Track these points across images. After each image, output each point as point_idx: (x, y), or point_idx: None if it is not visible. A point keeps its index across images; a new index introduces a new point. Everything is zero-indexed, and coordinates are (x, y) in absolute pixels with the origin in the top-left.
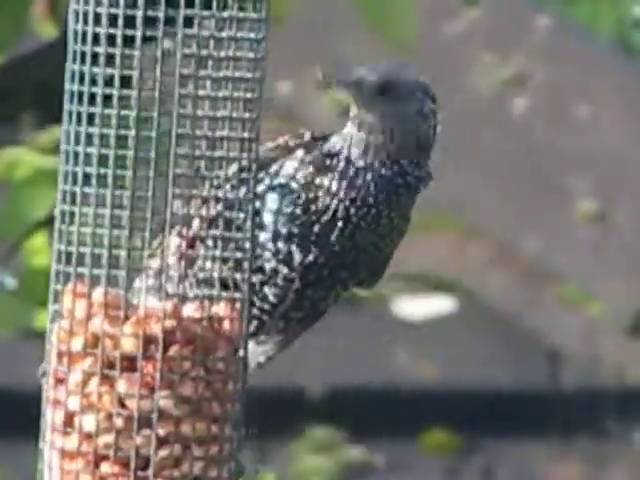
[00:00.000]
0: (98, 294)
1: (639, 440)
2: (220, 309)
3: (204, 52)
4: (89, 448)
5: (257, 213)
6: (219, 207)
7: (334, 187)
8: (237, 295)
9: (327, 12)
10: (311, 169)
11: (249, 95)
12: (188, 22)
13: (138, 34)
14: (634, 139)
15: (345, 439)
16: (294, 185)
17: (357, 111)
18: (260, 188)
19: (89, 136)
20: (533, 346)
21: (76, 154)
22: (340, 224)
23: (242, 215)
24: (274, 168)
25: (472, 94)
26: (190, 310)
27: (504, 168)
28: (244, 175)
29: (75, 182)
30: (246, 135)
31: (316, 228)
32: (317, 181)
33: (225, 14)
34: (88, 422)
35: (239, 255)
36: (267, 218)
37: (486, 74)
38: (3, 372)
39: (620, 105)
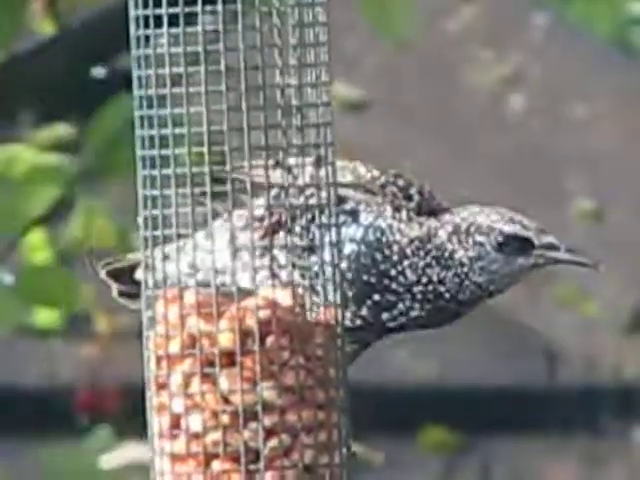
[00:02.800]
0: (190, 296)
1: (636, 438)
2: (313, 296)
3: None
4: (198, 448)
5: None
6: (302, 196)
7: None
8: (329, 282)
9: (326, 9)
10: (397, 250)
11: (319, 80)
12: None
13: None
14: (631, 137)
15: None
16: (376, 245)
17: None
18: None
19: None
20: (531, 344)
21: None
22: (395, 313)
23: (322, 202)
24: (369, 216)
25: (469, 91)
26: (283, 299)
27: (501, 166)
28: (322, 164)
29: (156, 185)
30: (322, 120)
31: (368, 295)
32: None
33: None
34: (194, 422)
35: (325, 241)
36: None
37: (483, 72)
38: (0, 369)
39: (617, 103)
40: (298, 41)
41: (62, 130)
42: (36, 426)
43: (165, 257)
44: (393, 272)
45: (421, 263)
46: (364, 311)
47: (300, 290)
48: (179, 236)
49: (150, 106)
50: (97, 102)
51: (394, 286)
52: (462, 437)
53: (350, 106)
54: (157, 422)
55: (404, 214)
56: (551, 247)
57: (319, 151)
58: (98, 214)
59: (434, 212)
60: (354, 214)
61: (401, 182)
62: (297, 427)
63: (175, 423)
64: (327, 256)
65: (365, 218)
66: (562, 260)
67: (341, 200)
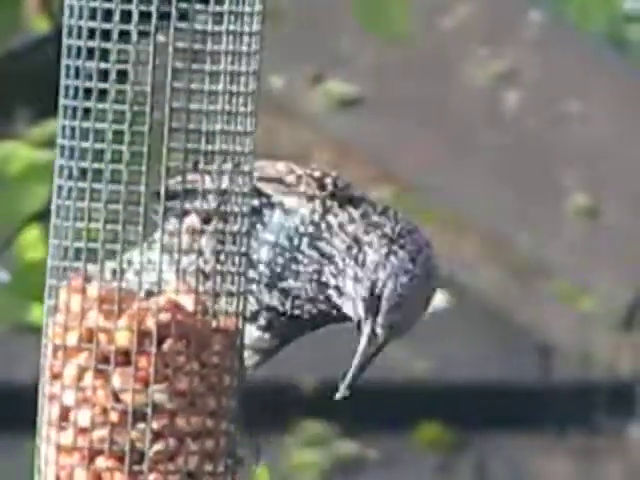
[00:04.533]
0: (93, 288)
1: (632, 434)
2: (216, 303)
3: (198, 46)
4: (84, 442)
5: (254, 225)
6: (216, 201)
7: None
8: (233, 289)
9: (320, 6)
10: (312, 238)
11: (244, 89)
12: (183, 16)
13: (132, 28)
14: (626, 133)
15: (338, 434)
16: (291, 233)
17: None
18: (267, 212)
19: (84, 131)
20: (525, 341)
21: (71, 148)
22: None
23: (237, 209)
24: (284, 203)
25: (466, 88)
26: (185, 303)
27: (497, 162)
28: (239, 170)
29: (70, 177)
30: (241, 129)
31: (279, 281)
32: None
33: (220, 8)
34: (83, 416)
35: (234, 249)
36: (263, 251)
37: (480, 68)
38: None
39: (612, 100)
40: (229, 48)
41: (56, 127)
42: (30, 422)
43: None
44: (299, 257)
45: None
46: (274, 300)
47: (203, 296)
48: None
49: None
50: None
51: (300, 270)
52: (457, 434)
53: (345, 103)
54: (47, 411)
55: (317, 203)
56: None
57: (238, 158)
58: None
59: (350, 200)
60: (272, 207)
61: (317, 173)
62: (185, 432)
63: (64, 415)
64: (234, 264)
65: (281, 212)
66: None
67: (262, 195)
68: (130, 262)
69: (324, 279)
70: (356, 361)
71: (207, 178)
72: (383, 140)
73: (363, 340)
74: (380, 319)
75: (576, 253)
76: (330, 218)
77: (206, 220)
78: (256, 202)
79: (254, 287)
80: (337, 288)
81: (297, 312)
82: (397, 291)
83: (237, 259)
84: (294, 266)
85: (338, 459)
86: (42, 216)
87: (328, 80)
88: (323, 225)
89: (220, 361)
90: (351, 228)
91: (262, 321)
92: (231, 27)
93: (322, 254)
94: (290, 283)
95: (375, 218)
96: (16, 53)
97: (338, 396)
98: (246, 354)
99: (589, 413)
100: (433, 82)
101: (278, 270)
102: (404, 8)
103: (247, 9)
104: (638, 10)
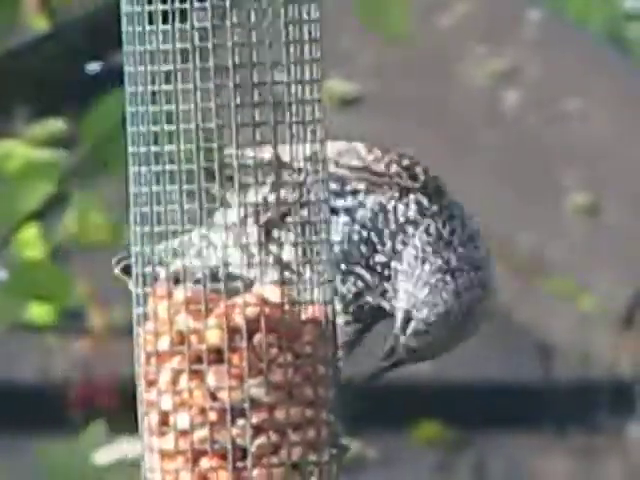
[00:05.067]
0: (179, 293)
1: (632, 433)
2: (303, 293)
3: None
4: (186, 445)
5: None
6: (294, 192)
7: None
8: (318, 278)
9: (320, 5)
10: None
11: (309, 77)
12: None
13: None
14: (626, 132)
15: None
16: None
17: None
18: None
19: (155, 134)
20: (525, 340)
21: (143, 154)
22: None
23: (314, 198)
24: (376, 198)
25: (465, 87)
26: (272, 296)
27: (496, 161)
28: (314, 159)
29: (145, 182)
30: (309, 118)
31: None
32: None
33: None
34: (182, 419)
35: (316, 238)
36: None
37: (479, 67)
38: None
39: (612, 98)
40: (290, 38)
41: (56, 125)
42: (30, 421)
43: (163, 253)
44: (377, 244)
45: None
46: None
47: (290, 287)
48: (175, 233)
49: (142, 102)
50: (91, 98)
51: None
52: (457, 433)
53: (345, 102)
54: (146, 419)
55: (411, 197)
56: None
57: (312, 147)
58: (92, 209)
59: (440, 191)
60: (355, 195)
61: (405, 161)
62: (285, 424)
63: (164, 420)
64: (320, 252)
65: (365, 201)
66: None
67: (344, 183)
68: (192, 243)
69: (387, 273)
70: (372, 369)
71: (282, 170)
72: (382, 138)
73: (385, 350)
74: (404, 339)
75: (576, 252)
76: (417, 218)
77: (286, 212)
78: (344, 201)
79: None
80: (394, 288)
81: (360, 304)
82: (428, 320)
83: (320, 247)
84: (369, 251)
85: None
86: (40, 214)
87: (328, 79)
88: (409, 225)
89: (313, 351)
90: (424, 240)
91: (345, 311)
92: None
93: (395, 250)
94: (362, 269)
95: (452, 238)
96: (15, 52)
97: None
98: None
99: (589, 412)
100: (432, 81)
101: (354, 252)
102: (404, 8)
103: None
104: (638, 9)
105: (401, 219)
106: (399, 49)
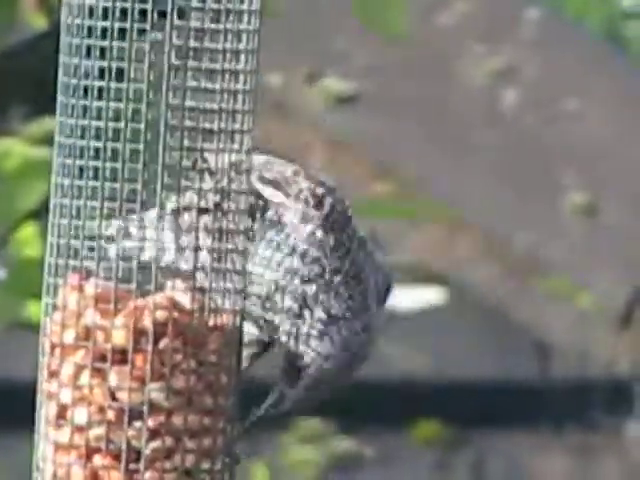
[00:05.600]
0: (90, 287)
1: (629, 432)
2: (213, 300)
3: (196, 44)
4: (81, 441)
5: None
6: (214, 198)
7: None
8: (230, 286)
9: (317, 4)
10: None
11: (242, 87)
12: (181, 14)
13: (130, 26)
14: (624, 131)
15: (335, 431)
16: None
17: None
18: (265, 235)
19: (82, 128)
20: (522, 338)
21: (69, 146)
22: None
23: (234, 207)
24: (286, 225)
25: (463, 86)
26: (183, 300)
27: (494, 160)
28: (237, 168)
29: (68, 174)
30: (238, 127)
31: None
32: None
33: (218, 6)
34: (80, 415)
35: (231, 247)
36: (257, 269)
37: (477, 66)
38: None
39: (611, 98)
40: (227, 46)
41: (54, 124)
42: (28, 421)
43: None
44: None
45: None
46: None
47: (201, 294)
48: (92, 228)
49: (74, 95)
50: None
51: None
52: (455, 431)
53: (342, 101)
54: (44, 408)
55: (310, 225)
56: None
57: (237, 157)
58: None
59: (340, 224)
60: (278, 226)
61: (319, 190)
62: (181, 431)
63: (62, 413)
64: (235, 261)
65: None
66: None
67: (264, 205)
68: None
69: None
70: (258, 412)
71: (205, 176)
72: (380, 138)
73: (266, 402)
74: (293, 392)
75: (574, 251)
76: (313, 249)
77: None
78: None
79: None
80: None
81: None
82: (316, 373)
83: (234, 257)
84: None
85: (335, 457)
86: (38, 213)
87: (325, 78)
88: (301, 253)
89: (217, 359)
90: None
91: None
92: (229, 25)
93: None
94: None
95: (339, 284)
96: (12, 50)
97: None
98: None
99: (587, 411)
100: (430, 80)
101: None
102: (402, 7)
103: (245, 7)
104: (637, 7)
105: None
106: (397, 48)
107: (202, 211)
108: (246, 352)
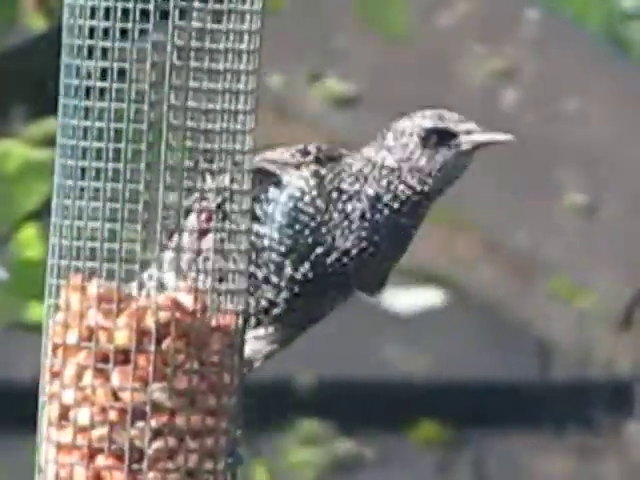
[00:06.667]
0: (92, 287)
1: (629, 432)
2: (216, 301)
3: (197, 44)
4: (84, 441)
5: (256, 218)
6: (217, 199)
7: (340, 225)
8: (233, 287)
9: (318, 4)
10: (318, 199)
11: (244, 87)
12: (182, 14)
13: (131, 26)
14: (623, 131)
15: (334, 432)
16: (299, 205)
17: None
18: (265, 195)
19: (84, 130)
20: (523, 339)
21: (72, 147)
22: (337, 255)
23: (237, 208)
24: (283, 179)
25: (463, 86)
26: (185, 301)
27: (493, 160)
28: (239, 169)
29: (70, 175)
30: (239, 127)
31: (311, 251)
32: (324, 215)
33: (219, 6)
34: (82, 415)
35: (234, 247)
36: (265, 228)
37: (477, 66)
38: None
39: (610, 98)
40: (229, 46)
41: (54, 125)
42: (28, 422)
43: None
44: (325, 220)
45: (349, 192)
46: (305, 266)
47: (203, 294)
48: (94, 230)
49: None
50: None
51: (326, 230)
52: (455, 432)
53: (342, 101)
54: (47, 410)
55: (305, 169)
56: (470, 132)
57: (239, 157)
58: None
59: (336, 158)
60: (277, 186)
61: (300, 146)
62: (184, 431)
63: (64, 413)
64: (237, 261)
65: (281, 191)
66: (482, 141)
67: (268, 174)
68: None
69: (324, 239)
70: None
71: (208, 177)
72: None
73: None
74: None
75: (574, 251)
76: (318, 179)
77: (208, 219)
78: (265, 186)
79: (265, 271)
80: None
81: (310, 286)
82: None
83: (237, 256)
84: (304, 230)
85: (335, 458)
86: (39, 214)
87: (326, 78)
88: (315, 189)
89: (220, 360)
90: (336, 184)
91: (279, 308)
92: (230, 25)
93: (318, 210)
94: (299, 248)
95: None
96: (12, 51)
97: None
98: (259, 346)
99: (587, 411)
100: (431, 80)
101: (288, 240)
102: (403, 7)
103: (247, 7)
104: (637, 8)
105: (307, 188)
106: (397, 48)
107: (206, 213)
108: (262, 351)
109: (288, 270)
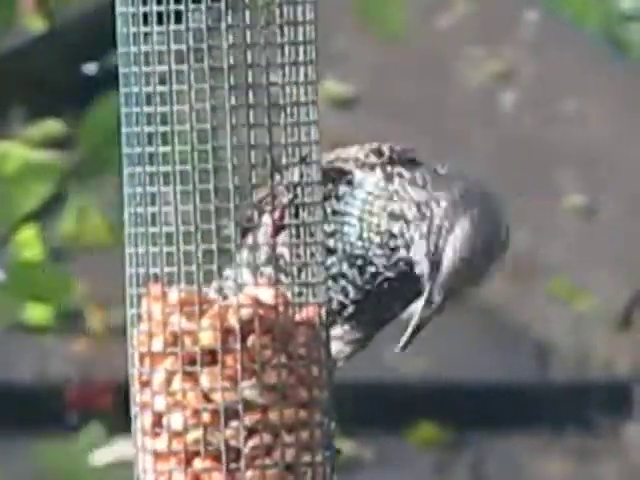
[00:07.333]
0: (173, 294)
1: (628, 434)
2: (297, 295)
3: (261, 39)
4: (179, 446)
5: (334, 212)
6: (289, 194)
7: (414, 243)
8: (312, 280)
9: (318, 6)
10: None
11: (304, 79)
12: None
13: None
14: (622, 132)
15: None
16: (372, 208)
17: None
18: (339, 194)
19: (148, 135)
20: (521, 340)
21: (138, 155)
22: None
23: (309, 200)
24: (355, 179)
25: (461, 87)
26: (266, 297)
27: (493, 161)
28: (308, 160)
29: (139, 183)
30: (305, 119)
31: (380, 261)
32: (395, 226)
33: (280, 21)
34: (176, 420)
35: (311, 240)
36: (338, 227)
37: (476, 68)
38: None
39: (609, 99)
40: (285, 39)
41: (53, 126)
42: (27, 423)
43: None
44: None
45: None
46: (351, 275)
47: (284, 288)
48: (169, 234)
49: (137, 103)
50: (88, 99)
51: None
52: (453, 433)
53: (341, 102)
54: (140, 419)
55: (378, 170)
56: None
57: (304, 150)
58: (90, 210)
59: (408, 161)
60: (350, 183)
61: (374, 145)
62: (278, 426)
63: (157, 421)
64: (314, 254)
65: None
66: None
67: (344, 173)
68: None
69: (393, 243)
70: (413, 322)
71: (277, 174)
72: (378, 139)
73: (420, 302)
74: (438, 283)
75: (573, 253)
76: (395, 181)
77: (281, 215)
78: (338, 185)
79: (335, 270)
80: (407, 245)
81: (369, 287)
82: (457, 256)
83: (314, 249)
84: (372, 235)
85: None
86: (38, 215)
87: (325, 80)
88: (390, 188)
89: (306, 352)
90: (414, 190)
91: (350, 309)
92: (286, 38)
93: (392, 215)
94: (367, 253)
95: (436, 179)
96: (11, 53)
97: (396, 350)
98: (337, 347)
99: (586, 412)
100: (429, 81)
101: (358, 242)
102: (401, 8)
103: (300, 18)
104: (636, 9)
105: (380, 188)
106: (395, 49)
107: (279, 210)
108: (343, 351)
109: (357, 279)
